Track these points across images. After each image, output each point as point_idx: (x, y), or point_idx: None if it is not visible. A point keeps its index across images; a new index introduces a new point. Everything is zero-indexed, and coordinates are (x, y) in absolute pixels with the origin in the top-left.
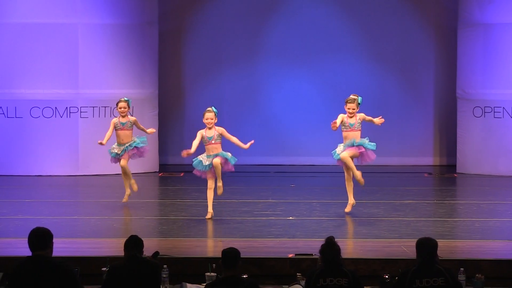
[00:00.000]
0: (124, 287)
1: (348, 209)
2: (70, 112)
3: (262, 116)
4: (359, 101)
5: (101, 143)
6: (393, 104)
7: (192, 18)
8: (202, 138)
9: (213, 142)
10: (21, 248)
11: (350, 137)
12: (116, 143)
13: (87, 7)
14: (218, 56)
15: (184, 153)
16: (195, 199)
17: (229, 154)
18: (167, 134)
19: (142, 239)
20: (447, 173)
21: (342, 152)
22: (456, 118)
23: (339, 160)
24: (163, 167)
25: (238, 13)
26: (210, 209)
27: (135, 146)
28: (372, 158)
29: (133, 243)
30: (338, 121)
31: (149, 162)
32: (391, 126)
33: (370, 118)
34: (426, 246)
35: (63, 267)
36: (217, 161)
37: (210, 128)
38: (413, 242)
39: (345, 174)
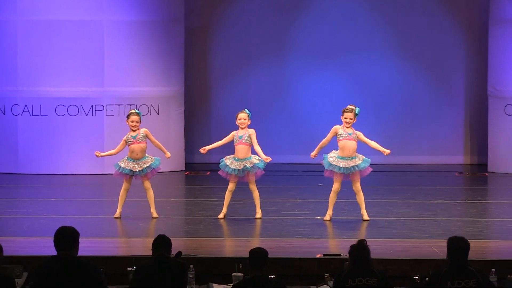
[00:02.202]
0: (151, 287)
1: (327, 218)
2: (95, 110)
3: (290, 114)
4: (356, 112)
5: (97, 155)
6: (423, 102)
7: (219, 15)
8: (234, 137)
9: (243, 141)
10: (46, 247)
11: (347, 148)
12: (126, 157)
13: (112, 4)
14: (246, 54)
15: (202, 150)
16: (221, 198)
17: (256, 159)
18: (193, 132)
19: None
20: (478, 172)
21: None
22: (487, 116)
23: (329, 170)
24: (189, 165)
25: (266, 9)
26: (224, 209)
27: (153, 169)
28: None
29: (161, 243)
30: (316, 151)
31: (175, 161)
32: (421, 124)
33: (370, 142)
34: (458, 246)
35: (88, 267)
36: (252, 187)
37: (242, 129)
38: (444, 243)
39: (334, 185)
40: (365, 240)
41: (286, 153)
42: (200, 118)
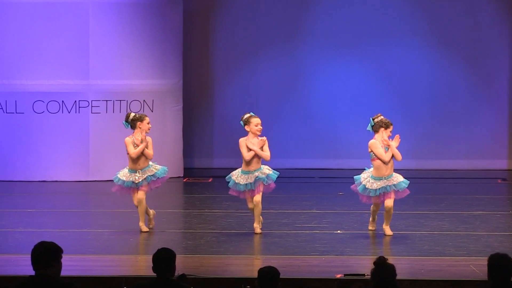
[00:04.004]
0: None
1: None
2: (79, 107)
3: (305, 111)
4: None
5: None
6: (460, 97)
7: None
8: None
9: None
10: (22, 266)
11: (384, 168)
12: (127, 168)
13: None
14: (254, 42)
15: None
16: (225, 209)
17: (268, 170)
18: (193, 132)
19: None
20: None
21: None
22: None
23: (366, 196)
24: (188, 171)
25: None
26: (256, 223)
27: (158, 178)
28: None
29: (165, 259)
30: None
31: (172, 166)
32: (458, 123)
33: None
34: (501, 265)
35: None
36: (258, 199)
37: (255, 136)
38: (484, 261)
39: (373, 205)
40: (383, 257)
41: (300, 156)
42: (201, 116)
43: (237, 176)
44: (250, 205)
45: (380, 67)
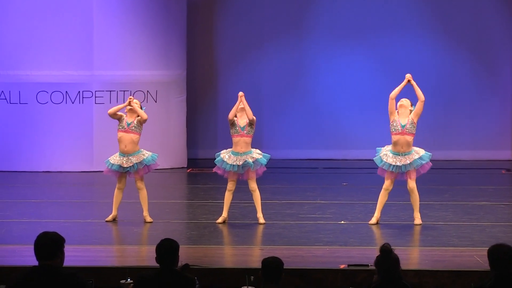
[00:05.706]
0: None
1: (373, 221)
2: (83, 97)
3: (309, 102)
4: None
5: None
6: (465, 89)
7: None
8: (233, 125)
9: (245, 132)
10: (26, 256)
11: (400, 144)
12: (118, 153)
13: None
14: (258, 33)
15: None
16: None
17: (258, 154)
18: (197, 123)
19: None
20: None
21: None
22: None
23: (380, 168)
24: (192, 162)
25: None
26: (225, 213)
27: (145, 165)
28: (426, 170)
29: (168, 250)
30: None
31: (176, 157)
32: (463, 115)
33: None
34: (503, 255)
35: (74, 279)
36: (253, 187)
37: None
38: None
39: (385, 182)
40: (388, 244)
41: (304, 147)
42: (204, 107)
43: (226, 155)
44: (230, 185)
45: (384, 58)
